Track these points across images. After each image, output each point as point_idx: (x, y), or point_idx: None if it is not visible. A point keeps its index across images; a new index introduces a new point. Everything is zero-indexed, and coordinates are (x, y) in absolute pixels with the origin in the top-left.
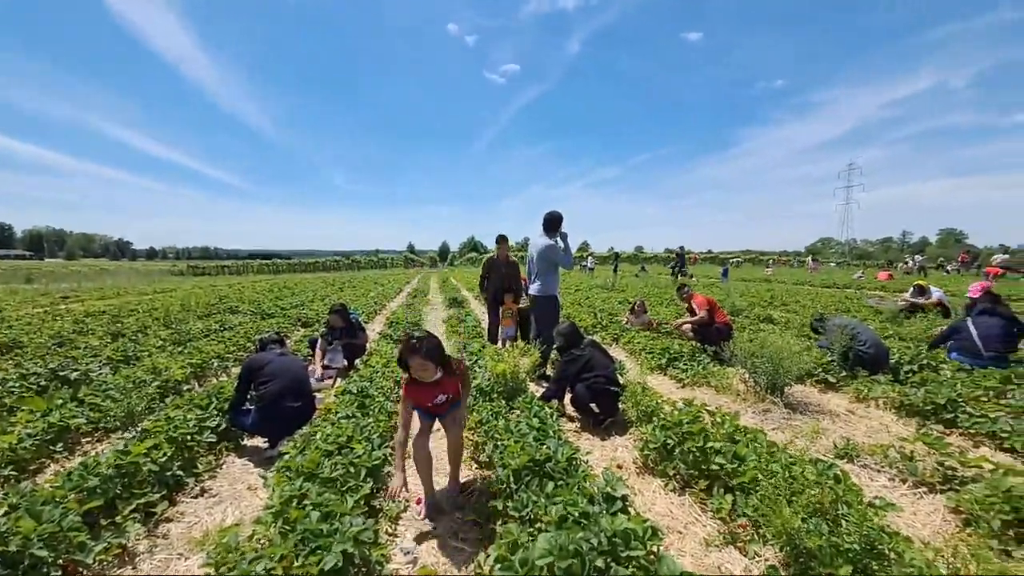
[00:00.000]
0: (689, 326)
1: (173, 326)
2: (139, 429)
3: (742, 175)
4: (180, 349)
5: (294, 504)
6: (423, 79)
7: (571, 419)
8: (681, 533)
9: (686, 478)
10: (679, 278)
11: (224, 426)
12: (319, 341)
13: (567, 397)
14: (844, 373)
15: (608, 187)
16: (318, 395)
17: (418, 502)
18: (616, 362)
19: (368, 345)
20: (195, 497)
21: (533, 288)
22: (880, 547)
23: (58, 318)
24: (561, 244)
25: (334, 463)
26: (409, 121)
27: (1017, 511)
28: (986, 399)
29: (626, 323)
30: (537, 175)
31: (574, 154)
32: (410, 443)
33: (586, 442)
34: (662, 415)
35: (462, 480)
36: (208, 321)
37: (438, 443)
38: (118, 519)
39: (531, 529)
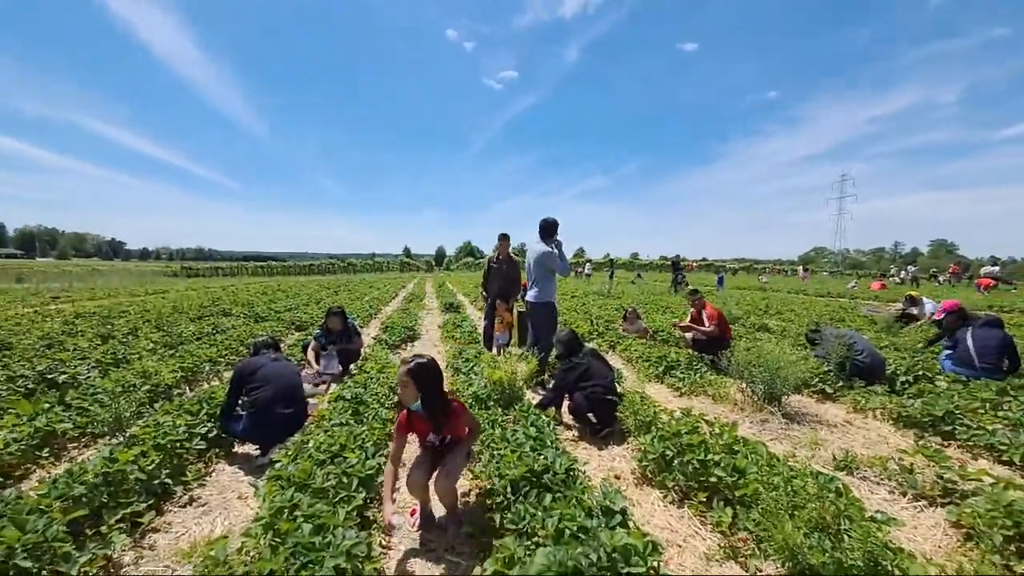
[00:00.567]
0: (690, 333)
1: (165, 328)
2: (127, 435)
3: (735, 184)
4: (171, 352)
5: (285, 515)
6: (420, 84)
7: (568, 427)
8: (681, 547)
9: (685, 490)
10: (677, 288)
11: (214, 433)
12: (311, 342)
13: (564, 405)
14: (841, 383)
15: (601, 195)
16: (312, 401)
17: (412, 513)
18: (614, 371)
19: (363, 350)
20: (183, 506)
21: (530, 295)
22: (884, 564)
23: (48, 319)
24: (556, 251)
25: (326, 473)
26: (405, 126)
27: (1018, 525)
28: (983, 411)
29: (622, 331)
30: (531, 181)
31: (569, 161)
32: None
33: (583, 451)
34: (660, 425)
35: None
36: (201, 324)
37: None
38: (103, 529)
39: (528, 543)
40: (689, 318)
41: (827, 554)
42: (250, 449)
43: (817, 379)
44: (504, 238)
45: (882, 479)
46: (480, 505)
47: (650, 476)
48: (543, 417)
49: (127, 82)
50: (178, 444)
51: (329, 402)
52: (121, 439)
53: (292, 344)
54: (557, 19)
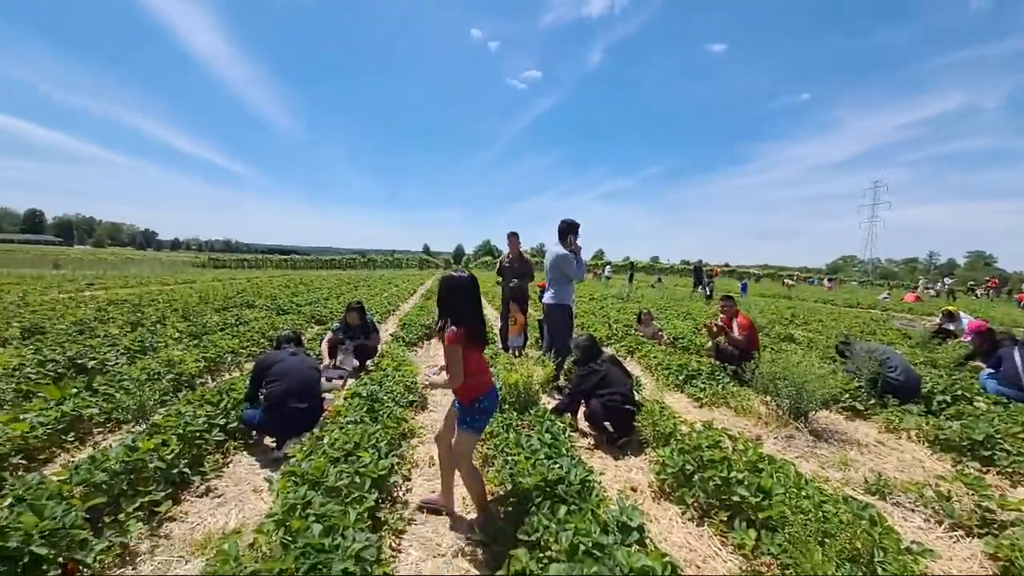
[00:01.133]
0: (715, 340)
1: (191, 318)
2: (150, 423)
3: (761, 189)
4: (196, 342)
5: (297, 513)
6: (444, 83)
7: (584, 434)
8: (699, 568)
9: (705, 507)
10: (701, 292)
11: (233, 424)
12: (328, 334)
13: (580, 412)
14: (873, 401)
15: (623, 196)
16: (328, 396)
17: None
18: (633, 378)
19: (380, 347)
20: (200, 496)
21: (546, 297)
22: None
23: (81, 305)
24: (573, 255)
25: (340, 471)
26: (427, 125)
27: None
28: None
29: (639, 335)
30: (553, 181)
31: (591, 162)
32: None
33: (599, 461)
34: (680, 437)
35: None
36: (225, 315)
37: None
38: (121, 517)
39: (541, 556)
40: (712, 322)
41: None
42: (268, 441)
43: (847, 395)
44: (512, 236)
45: (917, 506)
46: (492, 512)
47: (668, 490)
48: (558, 423)
49: (164, 79)
50: (198, 434)
51: (345, 398)
52: (144, 427)
53: (312, 338)
54: (582, 18)
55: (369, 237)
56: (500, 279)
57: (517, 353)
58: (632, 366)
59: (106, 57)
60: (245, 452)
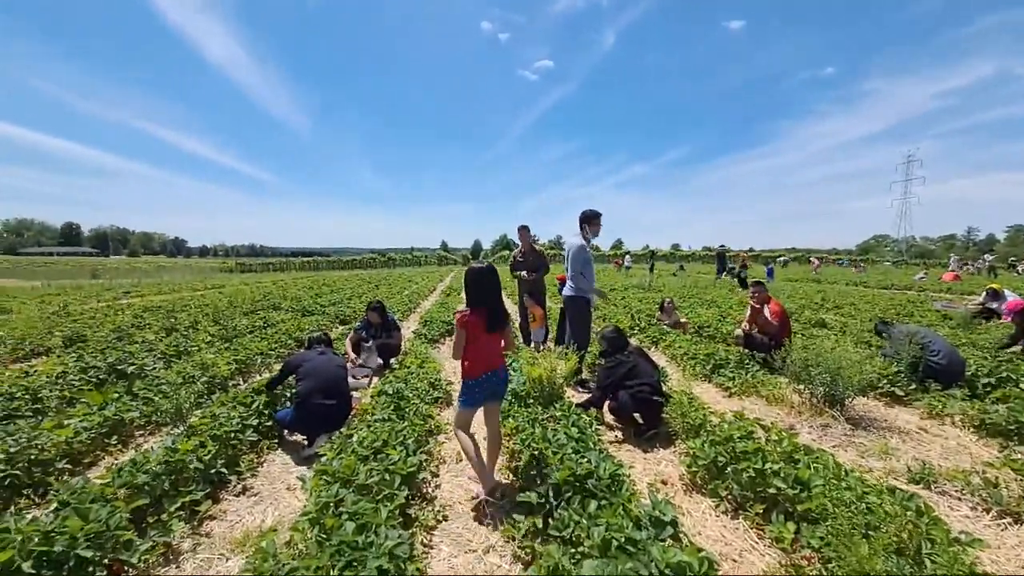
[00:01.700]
0: (745, 327)
1: (221, 322)
2: (187, 425)
3: (785, 170)
4: (227, 345)
5: (330, 511)
6: (456, 77)
7: (610, 427)
8: (736, 562)
9: (739, 500)
10: (728, 279)
11: (266, 425)
12: (351, 333)
13: (605, 405)
14: (914, 386)
15: (642, 183)
16: (355, 394)
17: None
18: (660, 369)
19: (403, 345)
20: (237, 495)
21: (566, 289)
22: None
23: (119, 313)
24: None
25: (369, 469)
26: (441, 120)
27: None
28: None
29: (663, 325)
30: (569, 171)
31: (609, 149)
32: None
33: (627, 454)
34: (711, 428)
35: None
36: (253, 318)
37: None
38: (164, 517)
39: (573, 551)
40: (748, 312)
41: None
42: (299, 439)
43: (886, 381)
44: (523, 230)
45: (964, 494)
46: (520, 506)
47: (700, 483)
48: (584, 417)
49: (187, 88)
50: (233, 435)
51: (372, 396)
52: (181, 429)
53: (336, 338)
54: (593, 3)
55: (388, 236)
56: (515, 275)
57: (539, 347)
58: (657, 356)
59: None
60: (277, 451)
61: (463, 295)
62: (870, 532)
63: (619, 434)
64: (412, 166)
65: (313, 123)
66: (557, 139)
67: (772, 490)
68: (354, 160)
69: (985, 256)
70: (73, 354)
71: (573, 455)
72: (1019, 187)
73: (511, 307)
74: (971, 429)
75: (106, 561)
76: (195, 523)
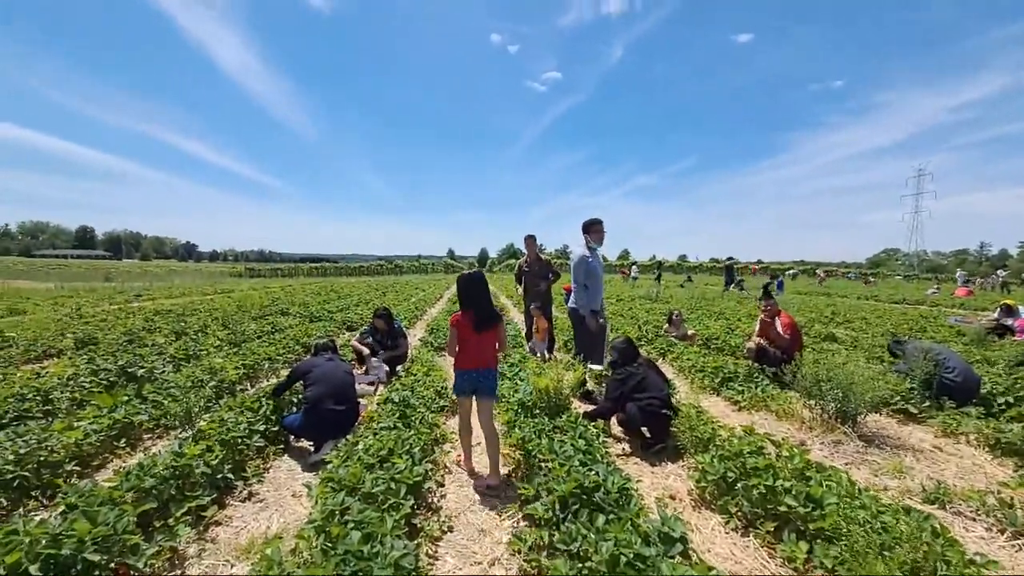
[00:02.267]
0: (756, 342)
1: (230, 326)
2: (195, 429)
3: (794, 181)
4: (235, 350)
5: (336, 519)
6: (465, 89)
7: (617, 439)
8: None
9: (750, 517)
10: (736, 291)
11: (272, 430)
12: (356, 336)
13: (614, 417)
14: (927, 403)
15: (650, 193)
16: (362, 401)
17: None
18: (670, 383)
19: (410, 352)
20: (243, 501)
21: (571, 300)
22: None
23: (130, 316)
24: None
25: (375, 478)
26: (449, 130)
27: None
28: None
29: (671, 336)
30: (577, 180)
31: (616, 159)
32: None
33: (634, 467)
34: (720, 443)
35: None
36: (261, 323)
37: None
38: (170, 521)
39: (581, 566)
40: (758, 326)
41: None
42: (305, 445)
43: (899, 398)
44: (529, 239)
45: (979, 514)
46: (525, 518)
47: (709, 499)
48: (591, 428)
49: (198, 96)
50: (240, 440)
51: (378, 404)
52: (190, 433)
53: (343, 344)
54: (602, 17)
55: (395, 243)
56: (519, 287)
57: (545, 358)
58: (664, 368)
59: (149, 81)
60: (284, 457)
61: None
62: (885, 552)
63: (626, 447)
64: (421, 174)
65: (324, 132)
66: (565, 149)
67: (783, 508)
68: (363, 169)
69: (998, 271)
70: (84, 356)
71: (580, 467)
72: None
73: (517, 316)
74: (986, 448)
75: (112, 565)
76: (201, 528)
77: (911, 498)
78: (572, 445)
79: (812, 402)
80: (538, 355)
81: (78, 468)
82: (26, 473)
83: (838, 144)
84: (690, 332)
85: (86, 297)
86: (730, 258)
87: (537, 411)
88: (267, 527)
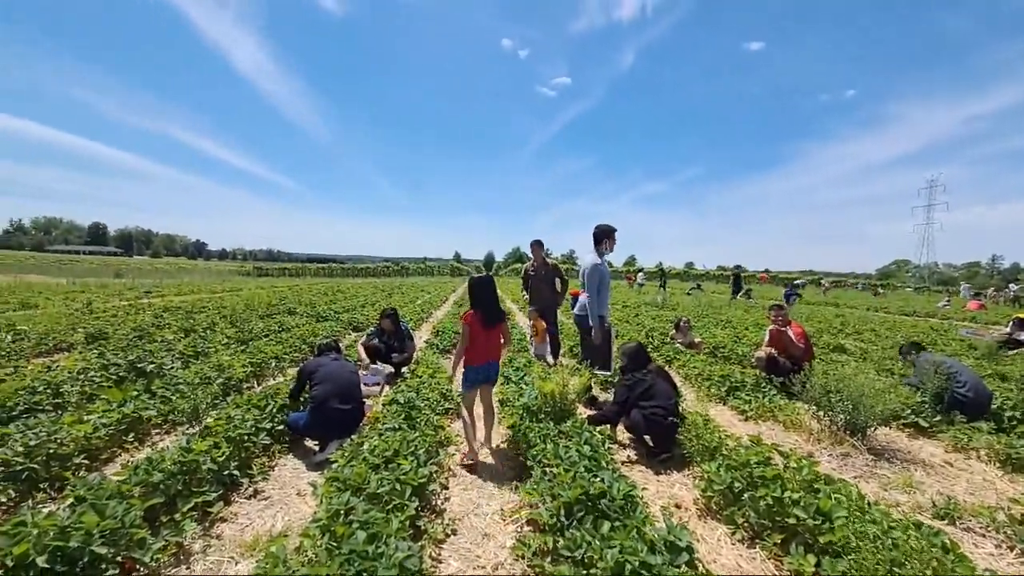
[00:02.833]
0: (766, 351)
1: (238, 325)
2: (202, 425)
3: (804, 191)
4: (243, 348)
5: (340, 519)
6: (475, 93)
7: (623, 446)
8: None
9: (756, 528)
10: (743, 299)
11: (278, 428)
12: (363, 337)
13: (621, 422)
14: (938, 417)
15: (659, 200)
16: (367, 402)
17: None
18: (679, 392)
19: (416, 354)
20: (248, 498)
21: (577, 307)
22: None
23: (140, 312)
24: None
25: (380, 478)
26: (459, 134)
27: None
28: None
29: (677, 343)
30: (582, 187)
31: (625, 166)
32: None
33: (639, 474)
34: (727, 452)
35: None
36: (268, 321)
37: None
38: (177, 517)
39: (585, 573)
40: (768, 336)
41: None
42: (311, 444)
43: (910, 411)
44: (536, 244)
45: (988, 531)
46: (528, 523)
47: (715, 509)
48: (597, 434)
49: (211, 95)
50: (246, 437)
51: (383, 404)
52: (197, 429)
53: (348, 345)
54: (613, 23)
55: (401, 245)
56: (525, 292)
57: (550, 363)
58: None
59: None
60: (289, 456)
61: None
62: (895, 568)
63: (631, 453)
64: (428, 177)
65: (335, 133)
66: (573, 154)
67: (791, 520)
68: (372, 171)
69: (1010, 285)
70: (95, 351)
71: (585, 473)
72: None
73: (522, 320)
74: (997, 464)
75: (119, 559)
76: (207, 524)
77: (921, 513)
78: (577, 451)
79: (821, 413)
80: (540, 359)
81: (86, 462)
82: (35, 465)
83: (848, 155)
84: (697, 340)
85: (97, 293)
86: (737, 266)
87: (542, 416)
88: (272, 525)
